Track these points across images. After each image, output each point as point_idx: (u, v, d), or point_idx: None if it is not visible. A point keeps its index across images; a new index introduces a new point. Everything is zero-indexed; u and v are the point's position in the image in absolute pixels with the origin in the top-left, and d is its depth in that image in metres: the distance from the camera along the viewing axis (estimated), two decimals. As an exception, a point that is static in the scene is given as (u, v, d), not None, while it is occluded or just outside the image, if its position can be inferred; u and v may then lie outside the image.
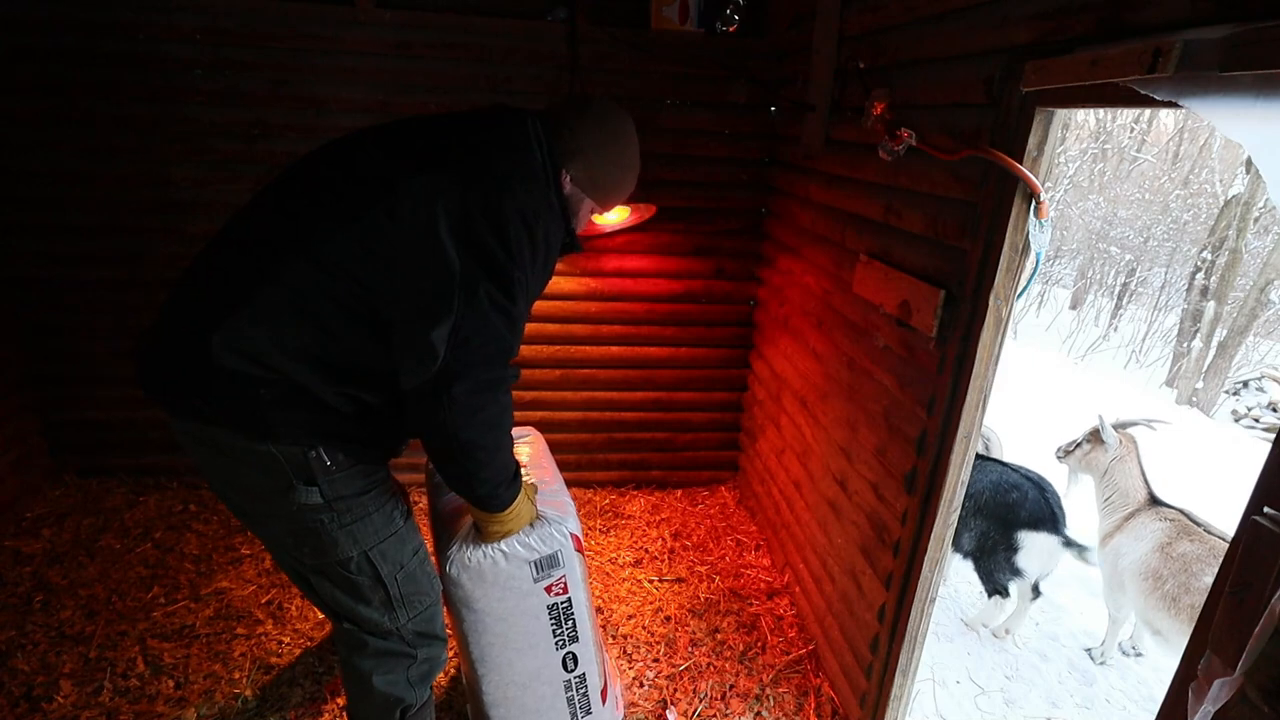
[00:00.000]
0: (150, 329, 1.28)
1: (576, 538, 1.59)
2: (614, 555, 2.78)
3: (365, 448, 1.35)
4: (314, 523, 1.31)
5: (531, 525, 1.52)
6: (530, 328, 2.97)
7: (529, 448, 1.92)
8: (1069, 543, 2.58)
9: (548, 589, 1.55)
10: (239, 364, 1.18)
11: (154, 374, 1.27)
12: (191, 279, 1.27)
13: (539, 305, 2.92)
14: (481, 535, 1.48)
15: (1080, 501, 2.95)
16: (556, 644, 1.63)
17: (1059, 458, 2.99)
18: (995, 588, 2.68)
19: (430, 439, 1.31)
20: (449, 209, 1.19)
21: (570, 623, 1.62)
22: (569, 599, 1.59)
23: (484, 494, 1.39)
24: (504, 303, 1.23)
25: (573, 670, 1.67)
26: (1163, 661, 2.68)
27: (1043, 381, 7.43)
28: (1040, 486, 2.64)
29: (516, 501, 1.45)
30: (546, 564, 1.53)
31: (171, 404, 1.25)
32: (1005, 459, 2.96)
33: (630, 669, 2.20)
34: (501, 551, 1.48)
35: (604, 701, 1.79)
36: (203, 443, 1.28)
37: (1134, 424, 2.82)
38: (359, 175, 1.26)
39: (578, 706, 1.73)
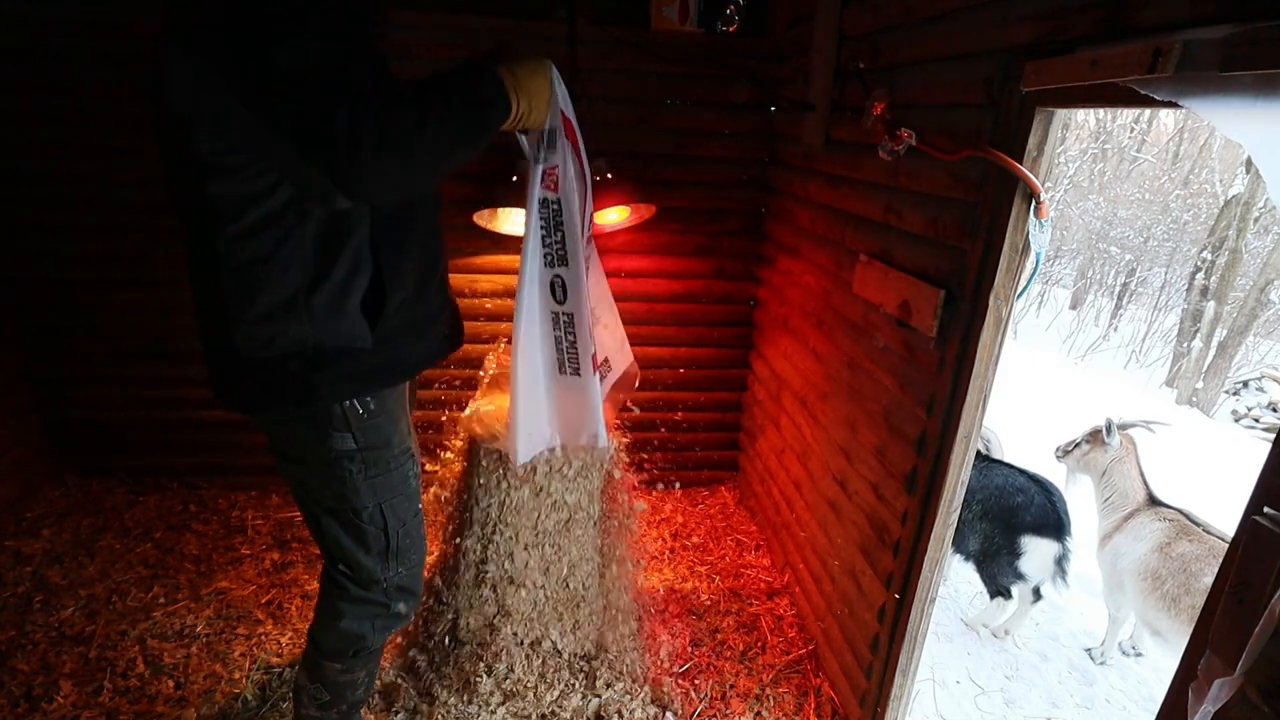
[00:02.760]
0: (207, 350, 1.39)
1: (572, 132, 1.46)
2: (614, 555, 2.77)
3: (386, 371, 1.40)
4: (343, 471, 1.41)
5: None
6: (530, 328, 2.97)
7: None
8: (1061, 558, 2.57)
9: (546, 172, 1.45)
10: (264, 352, 1.28)
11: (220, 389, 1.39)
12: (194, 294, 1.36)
13: (539, 305, 2.94)
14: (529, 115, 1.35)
15: (1077, 501, 2.95)
16: (545, 256, 1.52)
17: (1057, 457, 2.99)
18: (998, 590, 2.68)
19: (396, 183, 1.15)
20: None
21: (559, 235, 1.50)
22: (559, 202, 1.47)
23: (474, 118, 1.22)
24: (279, 60, 1.04)
25: (561, 303, 1.55)
26: (1163, 661, 2.68)
27: (1043, 381, 7.43)
28: (1047, 491, 2.63)
29: (509, 75, 1.26)
30: (549, 139, 1.42)
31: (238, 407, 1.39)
32: (1005, 459, 2.96)
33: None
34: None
35: (595, 370, 1.64)
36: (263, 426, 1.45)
37: (1133, 425, 2.82)
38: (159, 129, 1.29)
39: (565, 354, 1.61)
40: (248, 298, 1.25)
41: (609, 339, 1.89)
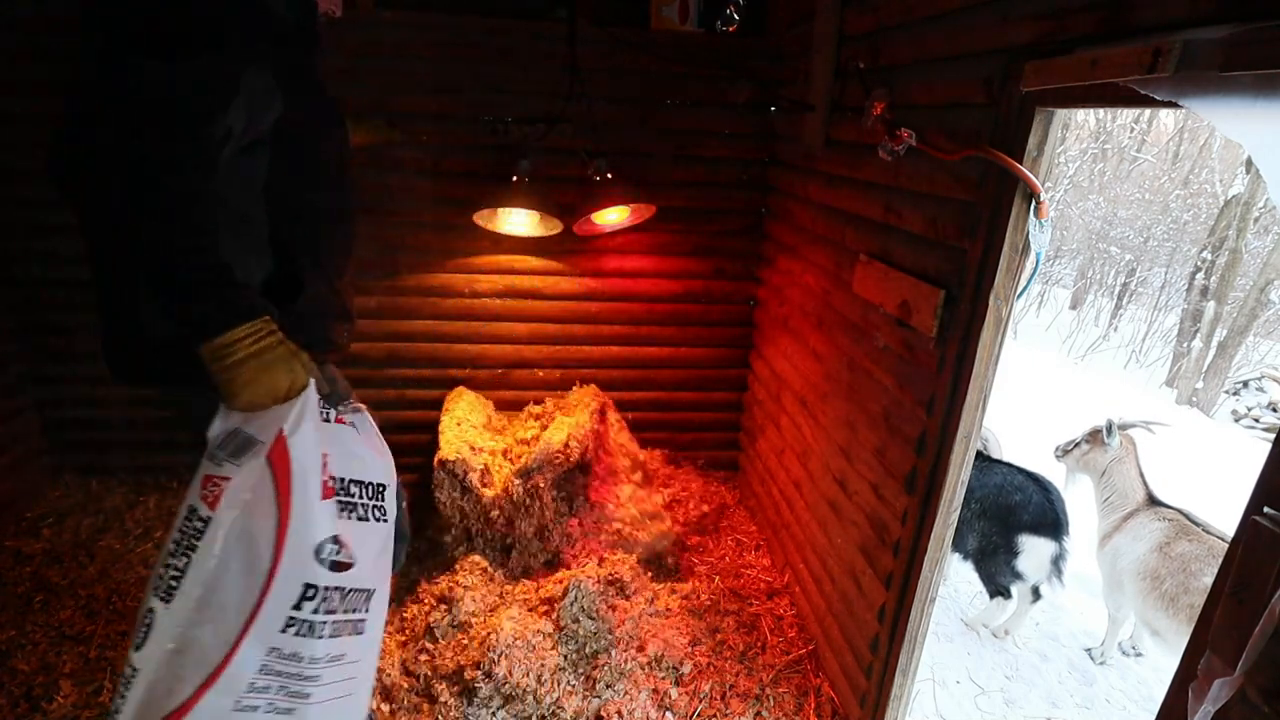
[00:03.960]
0: None
1: (341, 467, 1.14)
2: (614, 555, 2.77)
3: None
4: None
5: (287, 398, 1.09)
6: (530, 328, 2.98)
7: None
8: (1058, 557, 2.56)
9: (204, 481, 1.05)
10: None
11: None
12: None
13: (539, 305, 2.94)
14: (222, 397, 1.10)
15: (1076, 501, 2.95)
16: (155, 578, 1.04)
17: (1057, 457, 2.99)
18: (997, 589, 2.68)
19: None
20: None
21: (183, 561, 1.02)
22: (206, 522, 1.03)
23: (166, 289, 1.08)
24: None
25: (138, 648, 1.03)
26: (1163, 661, 2.68)
27: (1043, 381, 7.43)
28: (1046, 490, 2.63)
29: (248, 337, 1.08)
30: (232, 444, 1.07)
31: None
32: (1005, 460, 2.96)
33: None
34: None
35: None
36: None
37: (1133, 425, 2.82)
38: None
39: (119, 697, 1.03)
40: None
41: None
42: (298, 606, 1.07)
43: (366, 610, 1.20)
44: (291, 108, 1.25)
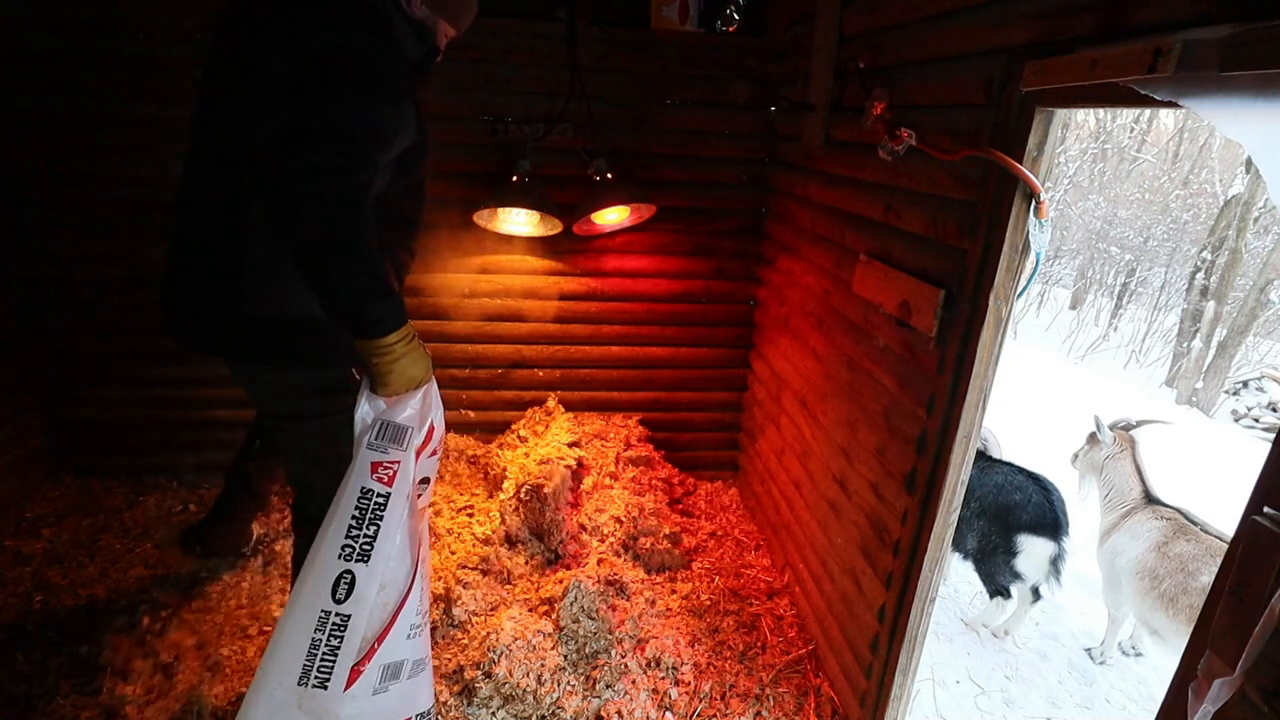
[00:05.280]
0: None
1: (441, 432, 1.45)
2: (614, 555, 2.77)
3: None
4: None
5: (417, 387, 1.38)
6: (530, 328, 2.98)
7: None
8: (1056, 557, 2.56)
9: (373, 467, 1.34)
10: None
11: None
12: None
13: (539, 305, 2.94)
14: (375, 383, 1.37)
15: (1090, 505, 2.96)
16: (343, 548, 1.35)
17: (1071, 463, 3.02)
18: (996, 589, 2.68)
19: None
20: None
21: (372, 530, 1.34)
22: (386, 498, 1.35)
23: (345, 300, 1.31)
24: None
25: (341, 602, 1.35)
26: (1163, 661, 2.68)
27: (1043, 381, 7.43)
28: (1046, 490, 2.63)
29: (403, 337, 1.34)
30: (389, 434, 1.35)
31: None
32: (1005, 459, 2.96)
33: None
34: (365, 393, 1.36)
35: (349, 683, 1.39)
36: None
37: (1133, 425, 2.82)
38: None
39: (316, 660, 1.36)
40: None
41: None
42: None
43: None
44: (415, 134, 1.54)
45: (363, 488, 1.34)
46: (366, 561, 1.35)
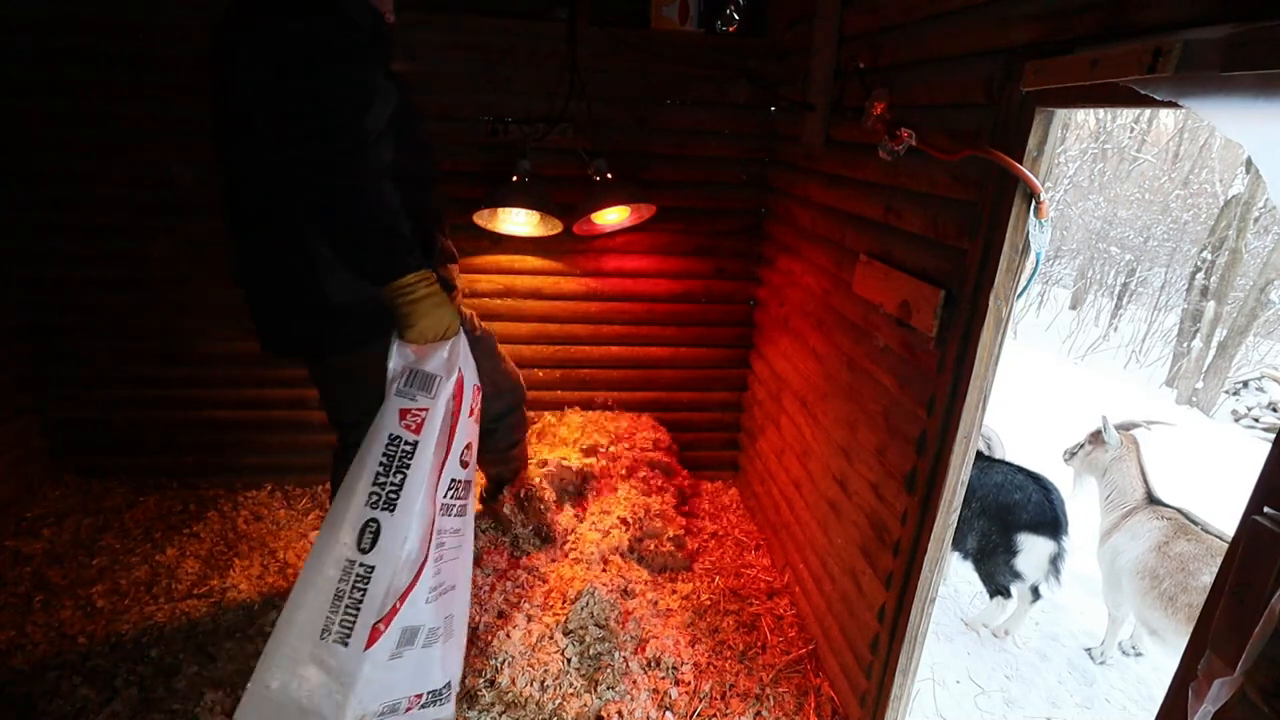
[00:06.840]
0: None
1: (474, 389, 1.46)
2: (614, 555, 2.77)
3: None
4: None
5: (445, 337, 1.43)
6: (530, 328, 2.98)
7: None
8: (1056, 557, 2.56)
9: (402, 413, 1.34)
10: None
11: None
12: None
13: (539, 305, 2.94)
14: (401, 328, 1.43)
15: (1084, 503, 2.95)
16: (370, 495, 1.33)
17: (1065, 460, 3.00)
18: (996, 588, 2.68)
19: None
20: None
21: (399, 478, 1.32)
22: (413, 446, 1.33)
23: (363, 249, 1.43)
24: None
25: (366, 551, 1.33)
26: (1163, 661, 2.68)
27: (1043, 381, 7.43)
28: (1046, 489, 2.62)
29: (422, 279, 1.44)
30: (418, 381, 1.36)
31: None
32: (1007, 459, 2.96)
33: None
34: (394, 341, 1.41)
35: (370, 642, 1.35)
36: None
37: (1135, 425, 2.82)
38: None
39: (338, 615, 1.33)
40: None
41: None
42: (448, 496, 1.50)
43: (467, 496, 1.61)
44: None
45: (390, 434, 1.36)
46: (392, 511, 1.35)
